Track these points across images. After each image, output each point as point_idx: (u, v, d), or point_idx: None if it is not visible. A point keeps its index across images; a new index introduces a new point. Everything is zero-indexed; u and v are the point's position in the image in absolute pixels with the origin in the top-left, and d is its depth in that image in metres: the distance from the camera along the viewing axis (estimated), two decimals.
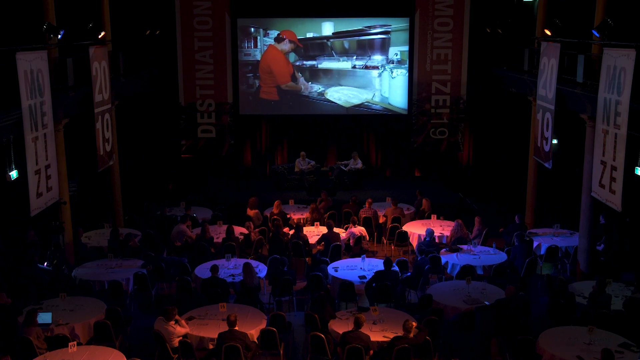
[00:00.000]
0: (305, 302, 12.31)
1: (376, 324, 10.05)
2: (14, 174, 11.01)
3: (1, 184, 11.39)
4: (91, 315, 10.39)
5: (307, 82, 19.27)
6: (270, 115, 19.87)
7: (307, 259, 13.62)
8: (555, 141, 15.47)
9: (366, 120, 20.13)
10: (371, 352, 9.54)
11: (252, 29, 18.80)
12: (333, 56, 19.00)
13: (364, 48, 19.02)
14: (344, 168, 18.62)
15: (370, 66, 18.91)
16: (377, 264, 12.52)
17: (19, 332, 9.54)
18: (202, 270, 12.31)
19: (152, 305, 12.21)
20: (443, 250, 13.33)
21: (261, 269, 12.36)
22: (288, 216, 15.38)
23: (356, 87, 19.28)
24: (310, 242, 13.83)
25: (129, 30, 17.65)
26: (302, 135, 19.99)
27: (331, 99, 19.27)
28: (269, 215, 15.36)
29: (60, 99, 12.72)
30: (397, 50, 18.84)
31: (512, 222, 14.39)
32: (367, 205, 15.48)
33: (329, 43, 18.76)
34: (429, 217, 15.31)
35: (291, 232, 14.18)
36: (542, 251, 13.59)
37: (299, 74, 19.06)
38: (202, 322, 10.24)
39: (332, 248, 13.36)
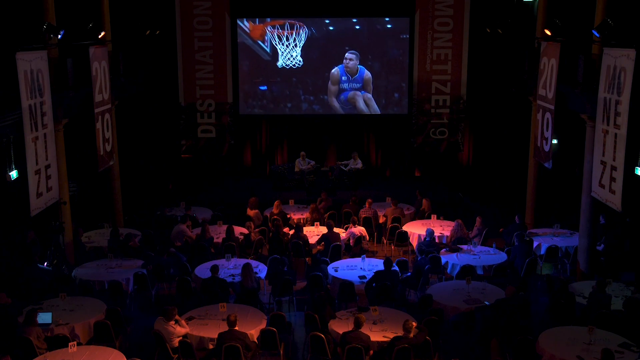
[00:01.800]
0: (305, 302, 12.31)
1: (376, 324, 10.05)
2: (14, 174, 11.01)
3: (1, 184, 11.39)
4: (91, 315, 10.39)
5: None
6: (270, 115, 19.87)
7: (307, 259, 13.62)
8: (555, 141, 15.47)
9: (366, 120, 20.13)
10: (371, 352, 9.54)
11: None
12: None
13: None
14: (344, 168, 18.61)
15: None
16: (377, 264, 12.52)
17: (19, 332, 9.53)
18: (202, 270, 12.31)
19: (152, 305, 12.21)
20: (443, 250, 13.32)
21: (261, 269, 12.36)
22: (288, 216, 15.38)
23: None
24: (310, 242, 13.83)
25: (129, 30, 17.65)
26: (302, 135, 19.99)
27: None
28: (269, 215, 15.36)
29: (60, 99, 12.72)
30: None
31: (512, 222, 14.39)
32: (367, 205, 15.48)
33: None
34: (429, 217, 15.31)
35: (291, 232, 14.18)
36: (542, 251, 13.59)
37: None
38: (202, 322, 10.24)
39: (332, 248, 13.36)
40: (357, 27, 18.57)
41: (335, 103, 19.21)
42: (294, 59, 17.84)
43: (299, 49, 17.76)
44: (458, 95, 19.33)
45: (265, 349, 9.93)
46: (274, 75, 18.63)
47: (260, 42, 18.00)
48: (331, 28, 18.47)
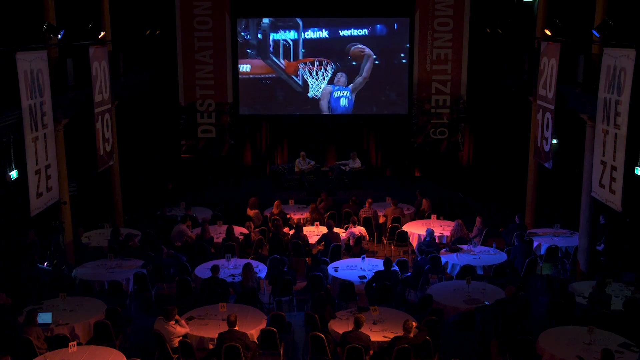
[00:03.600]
0: (305, 302, 12.31)
1: (376, 324, 10.05)
2: (14, 174, 11.00)
3: (1, 184, 11.38)
4: (91, 315, 10.39)
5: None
6: (270, 115, 19.88)
7: (307, 259, 13.62)
8: (555, 141, 15.47)
9: (366, 120, 20.14)
10: (371, 352, 9.54)
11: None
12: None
13: None
14: (343, 168, 18.61)
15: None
16: (377, 264, 12.52)
17: (19, 332, 9.54)
18: (202, 270, 12.31)
19: (152, 305, 12.21)
20: (443, 250, 13.32)
21: (261, 269, 12.36)
22: (288, 216, 15.37)
23: None
24: (310, 242, 13.84)
25: (129, 30, 17.65)
26: (302, 135, 20.00)
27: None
28: (269, 215, 15.35)
29: (60, 99, 12.71)
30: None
31: (512, 222, 14.39)
32: (367, 205, 15.48)
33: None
34: (429, 217, 15.30)
35: (291, 232, 14.18)
36: (542, 251, 13.59)
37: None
38: (202, 322, 10.24)
39: (332, 248, 13.36)
40: (377, 62, 19.55)
41: (325, 106, 19.76)
42: (321, 90, 19.63)
43: (326, 82, 19.50)
44: (458, 95, 19.33)
45: (265, 349, 9.93)
46: (306, 104, 19.80)
47: (293, 77, 19.49)
48: (354, 63, 19.54)
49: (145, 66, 18.44)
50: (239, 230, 14.21)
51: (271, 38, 19.23)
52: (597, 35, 11.97)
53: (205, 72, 19.18)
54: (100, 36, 14.31)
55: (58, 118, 12.67)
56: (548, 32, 14.51)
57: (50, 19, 12.59)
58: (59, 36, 12.25)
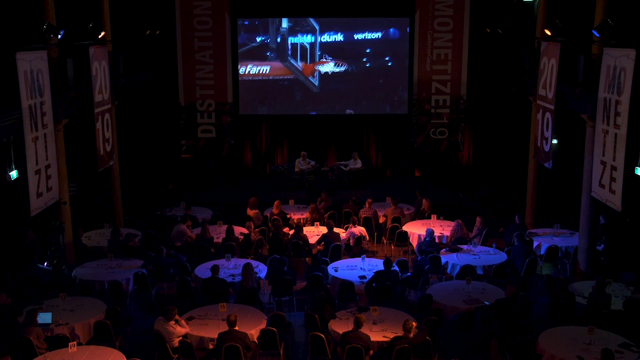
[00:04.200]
0: (305, 302, 12.32)
1: (376, 324, 10.05)
2: (14, 174, 11.01)
3: (1, 184, 11.38)
4: (91, 315, 10.40)
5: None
6: (270, 115, 19.89)
7: (307, 259, 13.62)
8: (555, 141, 15.47)
9: (366, 120, 20.14)
10: (371, 352, 9.54)
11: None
12: None
13: None
14: (344, 168, 18.62)
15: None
16: (377, 264, 12.52)
17: (19, 332, 9.54)
18: (202, 270, 12.31)
19: (152, 305, 12.21)
20: (443, 250, 13.33)
21: (261, 269, 12.36)
22: (288, 216, 15.38)
23: None
24: (310, 242, 13.83)
25: (129, 30, 17.65)
26: (302, 135, 20.00)
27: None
28: (269, 215, 15.36)
29: (60, 99, 12.72)
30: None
31: (512, 222, 14.39)
32: (367, 205, 15.48)
33: None
34: (429, 217, 15.30)
35: (291, 232, 14.18)
36: (542, 251, 13.60)
37: None
38: (202, 322, 10.25)
39: (332, 248, 13.36)
40: (389, 64, 19.74)
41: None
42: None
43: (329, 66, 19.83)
44: (458, 95, 19.33)
45: (265, 349, 9.93)
46: (321, 104, 20.03)
47: (310, 78, 19.68)
48: (368, 65, 19.71)
49: (145, 66, 18.44)
50: (239, 230, 14.21)
51: (289, 41, 19.47)
52: (597, 35, 11.97)
53: (205, 72, 19.19)
54: (100, 36, 14.31)
55: (58, 118, 12.68)
56: (548, 32, 14.51)
57: (50, 19, 12.59)
58: (59, 36, 12.25)
